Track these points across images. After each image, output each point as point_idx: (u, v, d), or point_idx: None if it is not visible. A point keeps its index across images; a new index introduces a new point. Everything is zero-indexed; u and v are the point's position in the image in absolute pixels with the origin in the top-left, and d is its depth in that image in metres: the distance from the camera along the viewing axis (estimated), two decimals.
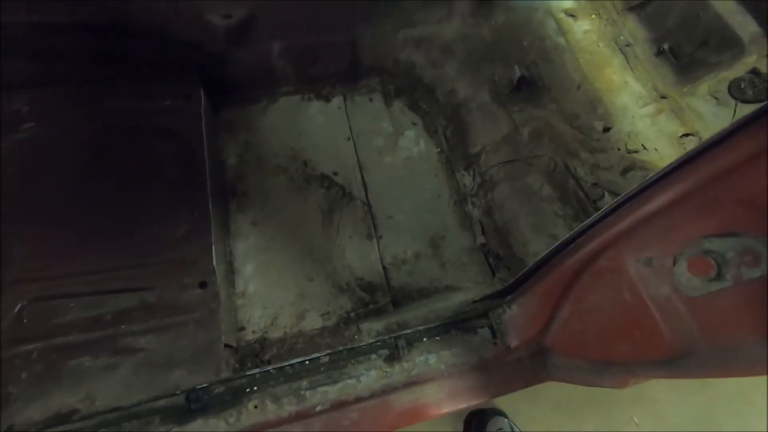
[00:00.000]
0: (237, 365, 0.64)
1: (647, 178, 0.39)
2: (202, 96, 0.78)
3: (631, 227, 0.42)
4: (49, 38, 0.71)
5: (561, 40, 0.90)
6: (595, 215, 0.44)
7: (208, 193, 0.71)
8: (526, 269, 0.55)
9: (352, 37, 0.86)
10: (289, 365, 0.61)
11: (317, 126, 0.85)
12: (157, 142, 0.73)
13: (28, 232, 0.63)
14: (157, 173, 0.70)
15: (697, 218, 0.38)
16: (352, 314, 0.70)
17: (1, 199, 0.63)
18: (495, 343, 0.62)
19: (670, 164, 0.37)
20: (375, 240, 0.76)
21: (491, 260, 0.77)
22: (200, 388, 0.58)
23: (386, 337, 0.61)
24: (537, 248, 0.71)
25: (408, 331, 0.62)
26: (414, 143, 0.85)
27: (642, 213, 0.40)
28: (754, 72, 0.78)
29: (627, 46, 0.87)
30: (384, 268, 0.74)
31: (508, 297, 0.59)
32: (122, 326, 0.60)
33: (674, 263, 0.40)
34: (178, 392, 0.57)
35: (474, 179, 0.79)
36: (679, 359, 0.44)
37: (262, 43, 0.82)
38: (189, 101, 0.77)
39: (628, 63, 0.86)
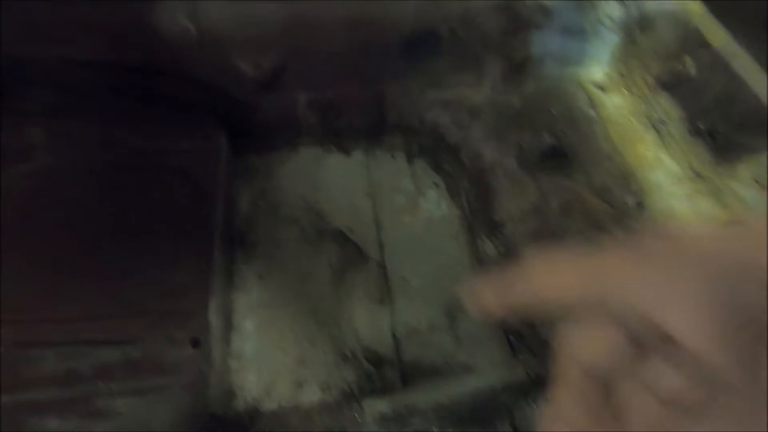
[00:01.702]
0: None
1: None
2: (223, 139, 0.76)
3: None
4: (74, 71, 0.70)
5: (591, 112, 0.88)
6: None
7: (215, 241, 0.67)
8: (551, 358, 0.48)
9: (379, 92, 0.85)
10: None
11: (336, 179, 0.83)
12: (169, 182, 0.70)
13: (15, 268, 0.59)
14: (163, 214, 0.67)
15: None
16: (355, 389, 0.63)
17: None
18: None
19: None
20: (387, 305, 0.70)
21: (512, 339, 0.70)
22: None
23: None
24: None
25: (417, 421, 0.55)
26: (435, 205, 0.82)
27: None
28: None
29: (660, 123, 0.85)
30: (395, 337, 0.68)
31: (534, 392, 0.53)
32: (100, 384, 0.54)
33: None
34: None
35: (497, 247, 0.74)
36: None
37: (288, 92, 0.81)
38: (208, 143, 0.76)
39: (662, 140, 0.83)
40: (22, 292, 0.58)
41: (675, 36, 0.88)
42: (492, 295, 0.24)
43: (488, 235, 0.76)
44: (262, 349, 0.66)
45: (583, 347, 0.22)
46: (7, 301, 0.57)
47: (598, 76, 0.93)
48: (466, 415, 0.58)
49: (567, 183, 0.75)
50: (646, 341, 0.20)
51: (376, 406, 0.58)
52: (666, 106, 0.87)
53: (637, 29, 0.93)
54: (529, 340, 0.69)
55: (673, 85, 0.89)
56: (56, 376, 0.53)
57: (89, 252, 0.61)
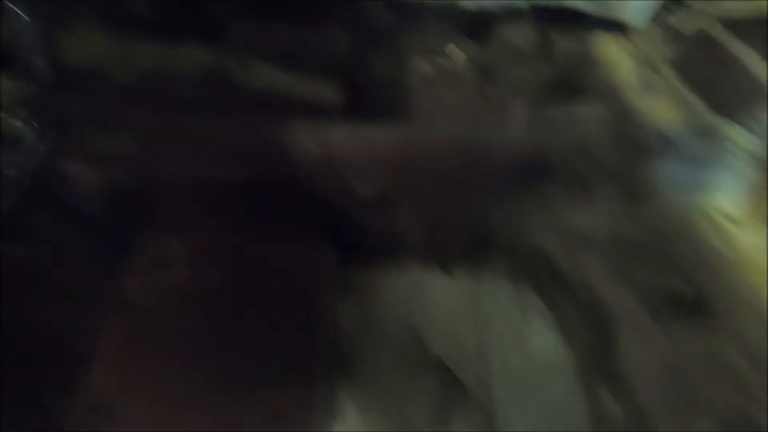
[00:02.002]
0: None
1: None
2: (332, 254, 0.78)
3: None
4: (215, 188, 0.77)
5: (724, 249, 0.79)
6: None
7: (318, 366, 0.66)
8: None
9: (486, 213, 0.84)
10: None
11: (440, 303, 0.80)
12: (280, 299, 0.72)
13: (135, 375, 0.62)
14: (275, 334, 0.68)
15: None
16: None
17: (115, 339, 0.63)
18: None
19: None
20: None
21: None
22: None
23: None
24: None
25: None
26: (547, 344, 0.76)
27: None
28: None
29: None
30: None
31: None
32: None
33: None
34: None
35: (622, 407, 0.65)
36: None
37: (396, 209, 0.83)
38: (319, 259, 0.78)
39: None
40: (136, 402, 0.60)
41: None
42: None
43: (609, 388, 0.68)
44: None
45: None
46: (123, 410, 0.59)
47: (730, 207, 0.85)
48: None
49: (707, 340, 0.67)
50: None
51: None
52: None
53: None
54: None
55: None
56: None
57: (202, 370, 0.63)
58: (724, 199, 0.86)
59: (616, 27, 1.20)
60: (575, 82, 1.11)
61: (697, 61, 0.94)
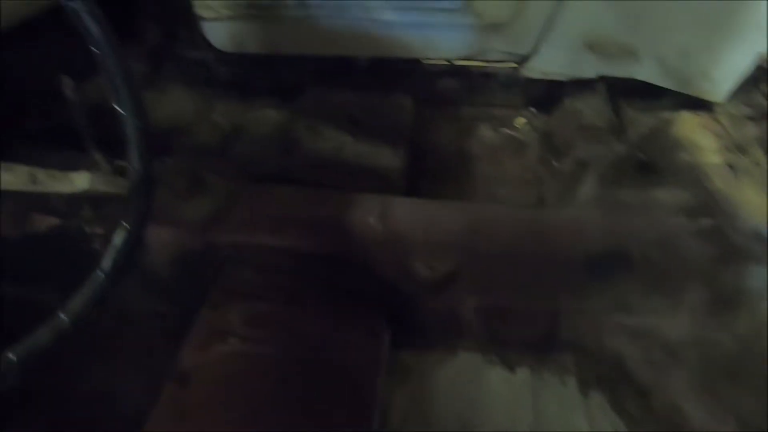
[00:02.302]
0: None
1: None
2: (386, 337, 0.76)
3: None
4: (276, 258, 0.78)
5: None
6: None
7: None
8: None
9: (553, 306, 0.79)
10: None
11: (495, 398, 0.75)
12: (331, 379, 0.70)
13: None
14: (319, 415, 0.65)
15: None
16: None
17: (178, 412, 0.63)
18: None
19: None
20: None
21: None
22: None
23: None
24: None
25: None
26: None
27: None
28: None
29: None
30: None
31: None
32: None
33: None
34: None
35: None
36: None
37: (456, 294, 0.80)
38: (372, 339, 0.75)
39: None
40: None
41: None
42: None
43: None
44: None
45: None
46: None
47: None
48: None
49: None
50: None
51: None
52: None
53: None
54: None
55: None
56: None
57: None
58: None
59: (696, 103, 1.14)
60: (652, 162, 1.05)
61: None
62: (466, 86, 1.34)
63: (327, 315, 0.76)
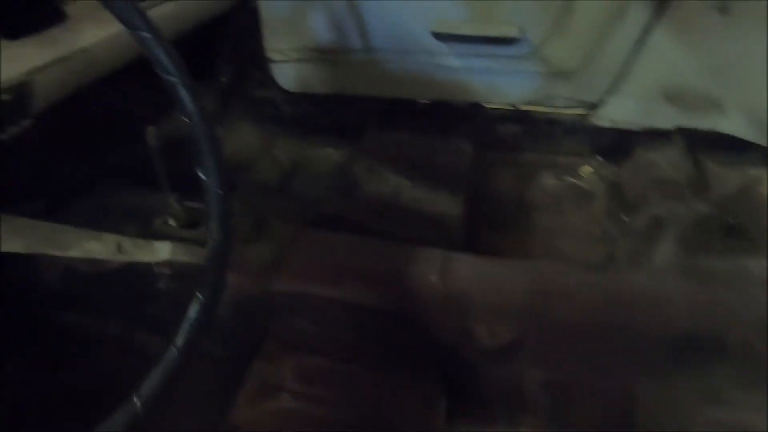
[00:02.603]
0: None
1: None
2: (442, 407, 0.71)
3: None
4: (332, 310, 0.76)
5: None
6: None
7: None
8: None
9: (628, 387, 0.71)
10: None
11: None
12: None
13: None
14: None
15: None
16: None
17: None
18: None
19: None
20: None
21: None
22: None
23: None
24: None
25: None
26: None
27: None
28: None
29: None
30: None
31: None
32: None
33: None
34: None
35: None
36: None
37: (520, 366, 0.74)
38: (428, 407, 0.71)
39: None
40: None
41: None
42: None
43: None
44: None
45: None
46: None
47: None
48: None
49: None
50: None
51: None
52: None
53: None
54: None
55: None
56: None
57: None
58: None
59: None
60: (740, 225, 0.96)
61: None
62: (528, 132, 1.30)
63: (381, 376, 0.72)
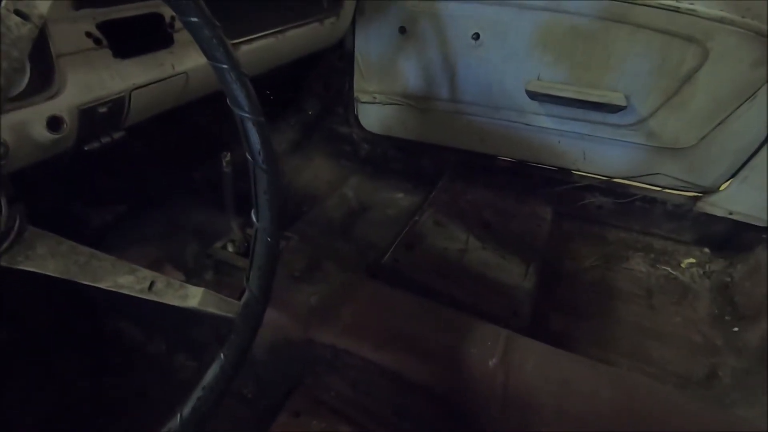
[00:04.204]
0: None
1: None
2: None
3: None
4: (375, 375, 0.69)
5: None
6: None
7: None
8: None
9: None
10: None
11: None
12: None
13: None
14: None
15: None
16: None
17: None
18: None
19: None
20: None
21: None
22: None
23: None
24: None
25: None
26: None
27: None
28: None
29: None
30: None
31: None
32: None
33: None
34: None
35: None
36: None
37: None
38: None
39: None
40: None
41: None
42: None
43: None
44: None
45: None
46: None
47: None
48: None
49: None
50: None
51: None
52: None
53: None
54: None
55: None
56: None
57: None
58: None
59: None
60: None
61: None
62: (621, 208, 1.16)
63: None
